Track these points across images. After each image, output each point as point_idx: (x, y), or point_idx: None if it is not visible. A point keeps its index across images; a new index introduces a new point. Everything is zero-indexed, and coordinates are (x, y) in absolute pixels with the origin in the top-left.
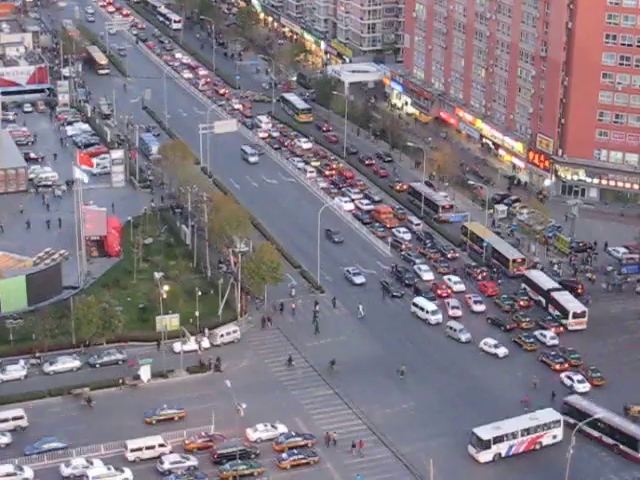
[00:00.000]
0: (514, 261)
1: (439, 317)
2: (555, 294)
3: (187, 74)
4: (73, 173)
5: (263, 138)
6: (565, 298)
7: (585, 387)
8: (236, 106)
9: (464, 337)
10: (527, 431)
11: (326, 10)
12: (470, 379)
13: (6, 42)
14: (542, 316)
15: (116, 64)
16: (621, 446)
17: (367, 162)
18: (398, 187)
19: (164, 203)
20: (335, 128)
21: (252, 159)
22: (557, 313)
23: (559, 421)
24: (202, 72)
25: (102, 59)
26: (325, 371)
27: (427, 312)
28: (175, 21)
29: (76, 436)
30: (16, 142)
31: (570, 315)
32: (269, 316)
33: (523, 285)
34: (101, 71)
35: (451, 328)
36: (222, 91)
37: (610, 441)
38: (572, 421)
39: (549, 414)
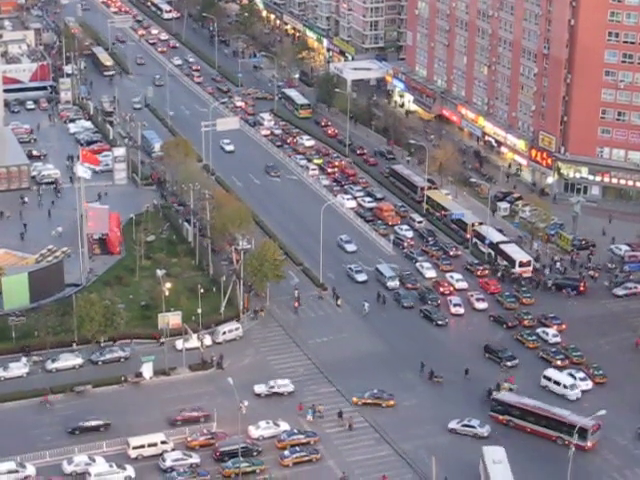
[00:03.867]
0: (472, 225)
1: (578, 392)
2: (503, 246)
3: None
4: (76, 171)
5: (265, 135)
6: (512, 249)
7: (587, 384)
8: (238, 104)
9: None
10: None
11: (328, 7)
12: (471, 375)
13: (9, 39)
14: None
15: (119, 62)
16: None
17: (359, 152)
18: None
19: (166, 201)
20: (338, 125)
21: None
22: (505, 263)
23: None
24: (195, 66)
25: (107, 60)
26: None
27: (565, 387)
28: (167, 11)
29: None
30: (18, 139)
31: (517, 264)
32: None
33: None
34: (106, 72)
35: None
36: (225, 89)
37: (552, 433)
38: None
39: (497, 450)
